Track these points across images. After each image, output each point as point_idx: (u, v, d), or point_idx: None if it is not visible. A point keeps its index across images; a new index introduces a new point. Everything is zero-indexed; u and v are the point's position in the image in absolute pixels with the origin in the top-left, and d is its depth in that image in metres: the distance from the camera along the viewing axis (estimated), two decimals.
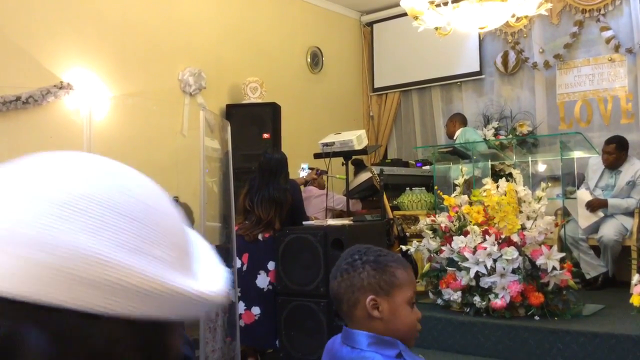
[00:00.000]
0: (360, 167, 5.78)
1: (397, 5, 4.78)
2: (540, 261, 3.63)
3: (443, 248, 3.97)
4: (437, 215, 4.27)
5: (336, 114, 7.06)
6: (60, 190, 0.43)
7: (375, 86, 7.60)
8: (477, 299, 3.72)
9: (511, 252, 3.63)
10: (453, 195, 4.21)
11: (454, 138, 5.96)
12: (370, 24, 7.64)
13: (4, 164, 0.46)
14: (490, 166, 5.22)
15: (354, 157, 5.27)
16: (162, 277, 0.44)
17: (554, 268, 3.60)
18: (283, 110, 5.77)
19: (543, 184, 3.99)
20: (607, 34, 5.90)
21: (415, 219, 5.26)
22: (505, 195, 3.85)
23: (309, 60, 6.89)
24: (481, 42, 6.72)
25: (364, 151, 4.83)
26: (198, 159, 3.46)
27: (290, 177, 4.33)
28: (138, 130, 4.90)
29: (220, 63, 5.76)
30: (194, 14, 5.59)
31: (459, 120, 6.14)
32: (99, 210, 0.43)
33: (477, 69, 6.81)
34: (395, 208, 5.53)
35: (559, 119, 6.28)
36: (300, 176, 5.29)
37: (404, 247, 4.33)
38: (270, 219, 3.99)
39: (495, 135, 6.34)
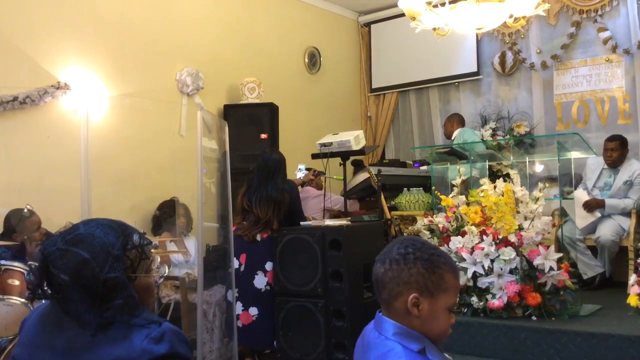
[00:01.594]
0: (360, 167, 5.77)
1: (395, 5, 4.79)
2: (537, 261, 3.63)
3: (441, 248, 3.96)
4: (434, 216, 4.26)
5: (334, 114, 7.06)
6: None
7: (373, 86, 7.60)
8: (474, 299, 3.72)
9: (508, 253, 3.63)
10: (450, 195, 4.21)
11: (452, 138, 5.97)
12: (368, 25, 7.64)
13: None
14: (487, 167, 5.22)
15: (353, 158, 5.27)
16: None
17: (551, 268, 3.60)
18: (281, 111, 5.77)
19: (540, 185, 4.00)
20: (605, 34, 5.91)
21: (412, 220, 5.25)
22: (503, 195, 3.85)
23: (306, 60, 6.89)
24: (479, 42, 6.73)
25: (361, 151, 4.83)
26: (196, 160, 3.46)
27: (287, 178, 4.32)
28: (135, 131, 4.90)
29: (218, 63, 5.75)
30: (191, 14, 5.59)
31: (456, 120, 6.14)
32: None
33: (475, 69, 6.82)
34: (392, 208, 5.52)
35: (556, 119, 6.29)
36: (297, 177, 5.29)
37: None
38: (268, 218, 3.99)
39: (493, 135, 6.35)
